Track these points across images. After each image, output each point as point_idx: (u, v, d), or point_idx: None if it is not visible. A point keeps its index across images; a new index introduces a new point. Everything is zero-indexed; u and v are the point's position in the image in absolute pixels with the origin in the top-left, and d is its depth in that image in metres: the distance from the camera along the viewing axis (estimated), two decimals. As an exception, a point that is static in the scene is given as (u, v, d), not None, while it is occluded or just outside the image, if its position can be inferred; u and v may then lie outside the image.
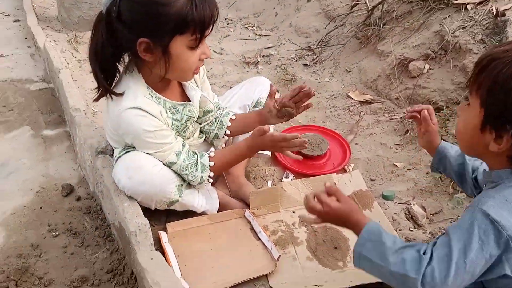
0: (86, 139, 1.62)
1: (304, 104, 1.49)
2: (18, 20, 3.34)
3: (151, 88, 1.27)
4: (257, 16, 3.36)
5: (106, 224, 1.50)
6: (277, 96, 1.56)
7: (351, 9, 2.69)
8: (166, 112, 1.30)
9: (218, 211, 1.55)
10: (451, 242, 0.85)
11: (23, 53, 2.82)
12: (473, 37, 1.92)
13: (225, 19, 3.40)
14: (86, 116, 1.81)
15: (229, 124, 1.56)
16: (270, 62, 2.70)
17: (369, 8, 2.47)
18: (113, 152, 1.45)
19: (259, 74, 2.58)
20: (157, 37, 1.13)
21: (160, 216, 1.51)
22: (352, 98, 2.25)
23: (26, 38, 3.02)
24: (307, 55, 2.68)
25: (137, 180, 1.26)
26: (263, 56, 2.77)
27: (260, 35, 3.10)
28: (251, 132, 1.42)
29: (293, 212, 1.58)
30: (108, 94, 1.24)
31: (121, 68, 1.28)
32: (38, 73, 2.58)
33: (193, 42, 1.16)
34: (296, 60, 2.65)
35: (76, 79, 2.23)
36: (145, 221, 1.23)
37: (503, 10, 1.92)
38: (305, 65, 2.59)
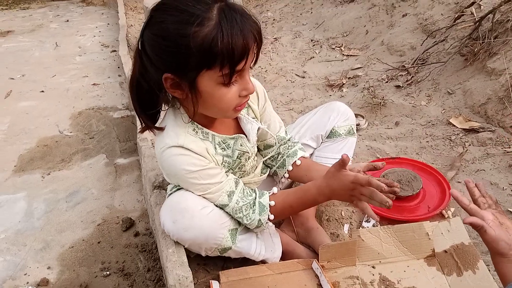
0: (148, 171, 1.54)
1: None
2: (115, 51, 3.54)
3: (196, 123, 1.11)
4: (346, 35, 3.11)
5: (159, 266, 1.37)
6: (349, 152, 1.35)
7: (455, 21, 2.31)
8: (215, 148, 1.14)
9: (282, 259, 1.33)
10: None
11: (113, 82, 2.94)
12: None
13: (311, 40, 3.22)
14: (153, 146, 1.74)
15: (290, 168, 1.33)
16: (356, 85, 2.43)
17: (477, 19, 2.09)
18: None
19: (343, 98, 2.33)
20: (181, 73, 0.95)
21: (217, 260, 1.35)
22: (455, 126, 1.88)
23: (118, 67, 3.17)
24: (400, 75, 2.36)
25: (182, 224, 1.10)
26: (349, 78, 2.51)
27: (348, 55, 2.84)
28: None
29: (373, 267, 1.29)
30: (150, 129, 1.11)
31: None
32: (123, 100, 2.64)
33: (224, 78, 0.95)
34: (387, 82, 2.35)
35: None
36: (188, 273, 1.06)
37: None
38: (398, 86, 2.27)
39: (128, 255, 1.44)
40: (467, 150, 1.71)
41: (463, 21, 2.21)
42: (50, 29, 4.30)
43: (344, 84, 2.46)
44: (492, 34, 2.02)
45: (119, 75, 3.05)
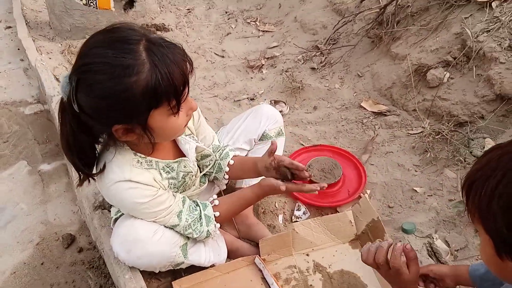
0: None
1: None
2: (10, 27, 3.18)
3: (139, 154, 1.14)
4: (259, 8, 3.15)
5: (111, 282, 1.42)
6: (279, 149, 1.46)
7: (361, 2, 2.47)
8: (160, 173, 1.19)
9: (228, 257, 1.46)
10: None
11: (16, 68, 2.68)
12: (499, 44, 1.73)
13: (226, 12, 3.20)
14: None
15: (227, 169, 1.45)
16: (275, 65, 2.53)
17: (382, 6, 2.26)
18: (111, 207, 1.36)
19: (264, 81, 2.43)
20: (131, 120, 0.98)
21: (167, 267, 1.43)
22: (366, 109, 2.09)
23: (18, 49, 2.88)
24: (314, 56, 2.50)
25: (137, 254, 1.16)
26: (267, 58, 2.60)
27: (264, 31, 2.90)
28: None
29: (307, 255, 1.48)
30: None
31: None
32: (32, 92, 2.45)
33: (173, 109, 1.00)
34: (303, 63, 2.48)
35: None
36: (148, 298, 1.14)
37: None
38: (313, 68, 2.42)
39: (76, 273, 1.46)
40: (378, 134, 1.94)
41: (369, 8, 2.37)
42: None
43: (263, 65, 2.54)
44: (395, 19, 2.21)
45: (22, 60, 2.78)
